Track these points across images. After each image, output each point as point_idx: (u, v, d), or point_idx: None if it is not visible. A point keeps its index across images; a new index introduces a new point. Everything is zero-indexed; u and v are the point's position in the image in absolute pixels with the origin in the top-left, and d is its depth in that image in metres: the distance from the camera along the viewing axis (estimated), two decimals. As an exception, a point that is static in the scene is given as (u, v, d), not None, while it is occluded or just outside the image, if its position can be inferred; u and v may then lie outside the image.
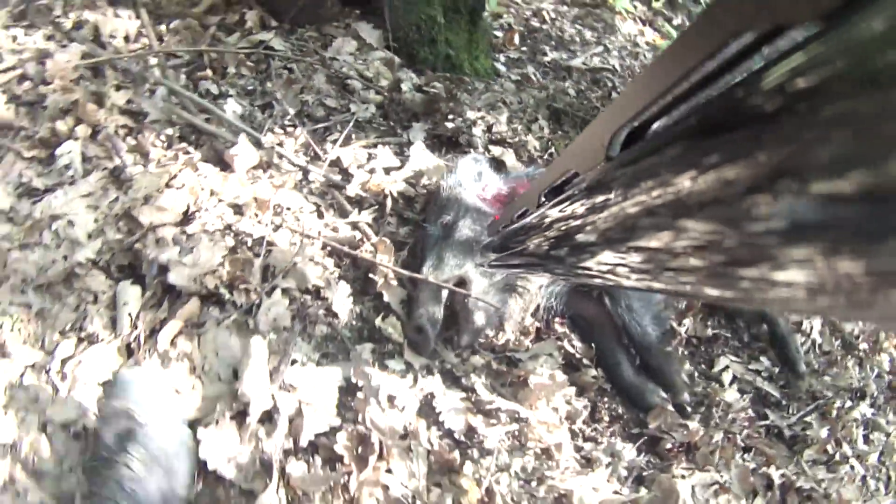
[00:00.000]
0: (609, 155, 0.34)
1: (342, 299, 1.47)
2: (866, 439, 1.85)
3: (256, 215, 1.57)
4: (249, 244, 1.51)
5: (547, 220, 0.54)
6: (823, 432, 1.74)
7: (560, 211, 0.49)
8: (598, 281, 0.50)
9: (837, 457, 1.74)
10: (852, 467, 1.76)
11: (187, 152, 1.67)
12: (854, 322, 1.90)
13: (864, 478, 1.78)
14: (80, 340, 1.41)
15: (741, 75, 0.22)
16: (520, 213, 0.64)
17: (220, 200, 1.58)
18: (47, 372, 1.38)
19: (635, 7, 2.92)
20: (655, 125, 0.30)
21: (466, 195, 1.56)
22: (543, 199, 0.53)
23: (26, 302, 1.46)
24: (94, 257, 1.48)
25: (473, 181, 1.60)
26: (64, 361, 1.38)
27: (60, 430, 1.32)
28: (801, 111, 0.20)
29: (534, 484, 1.32)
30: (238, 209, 1.58)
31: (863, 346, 2.01)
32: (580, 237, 0.47)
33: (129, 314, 1.40)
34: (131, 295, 1.42)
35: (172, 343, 1.37)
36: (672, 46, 0.26)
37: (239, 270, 1.45)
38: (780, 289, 0.27)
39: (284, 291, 1.45)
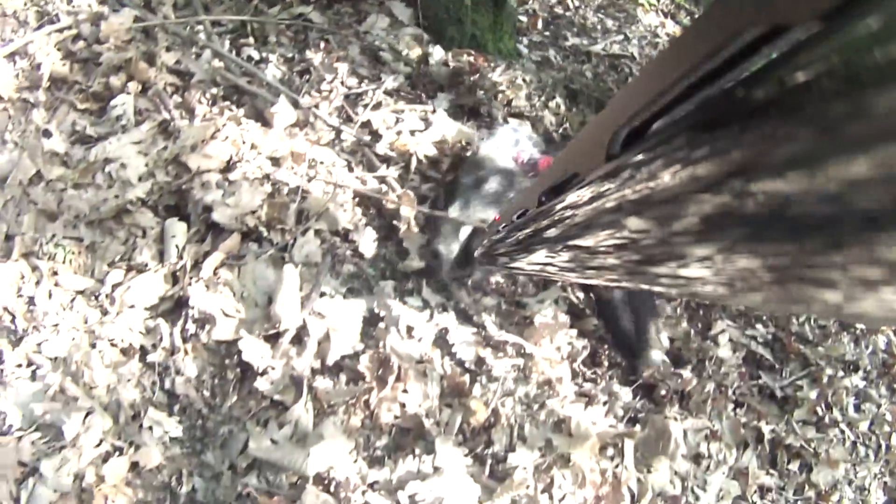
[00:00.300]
0: (609, 154, 0.34)
1: (368, 242, 1.65)
2: (857, 408, 1.98)
3: (292, 167, 1.75)
4: (285, 192, 1.69)
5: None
6: (813, 395, 1.88)
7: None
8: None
9: (827, 420, 1.88)
10: (842, 432, 1.90)
11: (230, 110, 1.85)
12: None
13: (854, 443, 1.92)
14: (129, 269, 1.59)
15: (741, 74, 0.22)
16: (519, 213, 0.65)
17: (259, 153, 1.76)
18: (97, 297, 1.57)
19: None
20: (656, 125, 0.30)
21: (501, 157, 1.74)
22: (543, 198, 0.53)
23: (78, 236, 1.65)
24: (144, 197, 1.66)
25: (511, 146, 1.77)
26: (114, 287, 1.56)
27: (110, 346, 1.50)
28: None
29: (535, 408, 1.49)
30: (276, 161, 1.76)
31: (860, 325, 2.14)
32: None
33: (176, 246, 1.58)
34: (178, 230, 1.60)
35: (215, 272, 1.54)
36: (672, 46, 0.26)
37: (276, 213, 1.63)
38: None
39: (317, 232, 1.63)
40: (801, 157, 0.20)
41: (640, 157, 0.30)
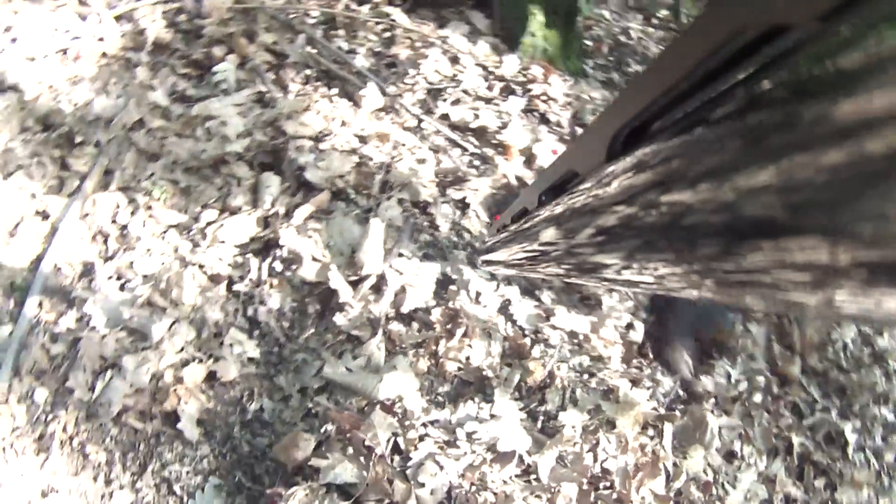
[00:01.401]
0: (610, 154, 0.35)
1: (445, 217, 1.91)
2: (884, 440, 2.19)
3: (378, 146, 2.03)
4: (371, 164, 1.97)
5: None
6: (842, 419, 2.09)
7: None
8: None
9: (854, 444, 2.09)
10: (867, 460, 2.10)
11: (322, 90, 2.15)
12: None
13: (878, 472, 2.12)
14: (222, 211, 1.86)
15: (740, 74, 0.23)
16: (519, 213, 0.67)
17: (349, 129, 2.05)
18: (189, 231, 1.84)
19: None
20: (655, 125, 0.31)
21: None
22: (543, 197, 0.55)
23: (175, 179, 1.93)
24: (241, 152, 1.94)
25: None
26: (207, 224, 1.83)
27: (199, 271, 1.76)
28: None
29: (586, 377, 1.73)
30: (363, 139, 2.04)
31: (894, 364, 2.37)
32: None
33: (270, 195, 1.85)
34: (273, 181, 1.88)
35: (304, 221, 1.81)
36: (673, 46, 0.28)
37: (363, 179, 1.91)
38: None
39: (399, 201, 1.90)
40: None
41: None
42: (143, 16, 2.29)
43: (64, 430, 1.60)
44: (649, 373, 1.88)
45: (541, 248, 0.53)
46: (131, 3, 2.32)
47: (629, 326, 1.91)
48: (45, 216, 1.87)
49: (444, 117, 2.20)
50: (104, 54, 2.20)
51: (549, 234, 0.48)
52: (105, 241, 1.83)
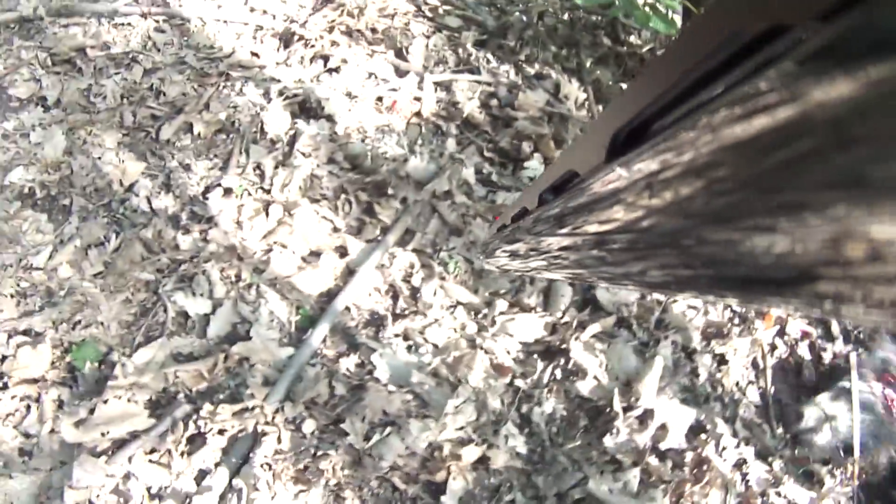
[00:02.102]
0: (609, 154, 0.35)
1: (706, 365, 1.98)
2: None
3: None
4: (651, 300, 2.05)
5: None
6: None
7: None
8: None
9: None
10: None
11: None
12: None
13: None
14: (513, 305, 1.98)
15: (740, 75, 0.23)
16: (519, 213, 0.68)
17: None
18: (478, 314, 1.95)
19: None
20: (655, 125, 0.31)
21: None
22: (543, 197, 0.56)
23: (471, 259, 2.05)
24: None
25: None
26: (500, 312, 1.93)
27: (484, 355, 1.86)
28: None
29: None
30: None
31: None
32: None
33: (563, 304, 1.96)
34: (566, 291, 2.02)
35: (591, 338, 1.90)
36: (672, 46, 0.28)
37: (644, 313, 2.01)
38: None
39: (673, 342, 1.98)
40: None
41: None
42: (460, 89, 2.47)
43: (333, 470, 1.70)
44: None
45: (539, 246, 0.54)
46: (451, 74, 2.51)
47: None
48: (342, 253, 2.03)
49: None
50: (418, 114, 2.39)
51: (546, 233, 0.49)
52: (395, 298, 1.97)
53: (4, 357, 1.88)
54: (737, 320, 2.18)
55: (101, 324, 1.91)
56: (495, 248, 0.82)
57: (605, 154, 0.34)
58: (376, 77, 2.50)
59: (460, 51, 2.64)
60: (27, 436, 1.79)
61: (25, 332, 1.92)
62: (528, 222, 0.57)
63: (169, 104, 2.38)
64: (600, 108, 2.67)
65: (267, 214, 2.07)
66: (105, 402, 1.77)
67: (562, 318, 1.94)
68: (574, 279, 0.57)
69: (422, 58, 2.58)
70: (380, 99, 2.43)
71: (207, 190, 2.14)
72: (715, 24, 0.23)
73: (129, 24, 2.59)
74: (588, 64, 2.69)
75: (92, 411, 1.76)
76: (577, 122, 2.49)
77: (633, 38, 2.82)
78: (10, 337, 1.91)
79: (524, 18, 2.79)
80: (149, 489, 1.69)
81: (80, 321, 1.92)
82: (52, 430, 1.77)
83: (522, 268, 0.77)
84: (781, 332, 2.21)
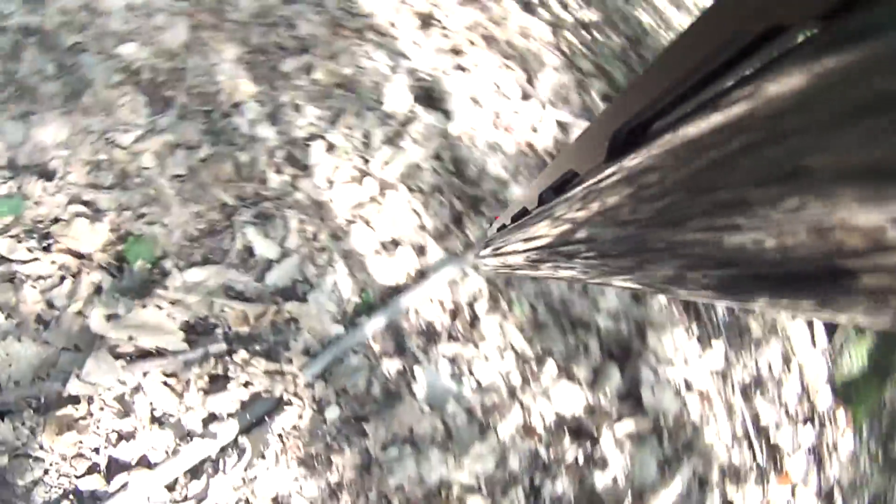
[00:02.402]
0: (609, 154, 0.35)
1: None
2: None
3: (699, 400, 2.11)
4: (686, 415, 2.04)
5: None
6: None
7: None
8: None
9: None
10: None
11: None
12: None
13: None
14: (562, 369, 1.95)
15: (740, 75, 0.23)
16: (519, 213, 0.68)
17: (686, 369, 2.13)
18: (526, 363, 1.93)
19: None
20: (655, 125, 0.32)
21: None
22: (543, 197, 0.56)
23: (536, 307, 2.03)
24: (602, 328, 2.04)
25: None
26: (545, 372, 1.91)
27: (520, 407, 1.84)
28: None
29: None
30: (689, 386, 2.12)
31: None
32: None
33: (608, 388, 1.94)
34: (614, 376, 2.00)
35: (622, 434, 1.88)
36: (672, 46, 0.28)
37: (677, 425, 1.98)
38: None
39: (693, 467, 1.95)
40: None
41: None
42: (575, 129, 2.44)
43: (341, 467, 1.67)
44: None
45: (538, 246, 0.54)
46: (573, 117, 2.48)
47: None
48: (420, 252, 1.98)
49: (752, 408, 2.26)
50: (529, 144, 2.35)
51: (545, 231, 0.49)
52: (453, 317, 1.93)
53: (58, 219, 1.83)
54: (755, 468, 2.17)
55: (166, 226, 1.86)
56: (495, 248, 0.82)
57: (606, 154, 0.35)
58: (502, 92, 2.46)
59: (585, 98, 2.61)
60: (51, 305, 1.74)
61: (87, 204, 1.87)
62: (528, 222, 0.58)
63: (298, 39, 2.33)
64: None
65: (361, 185, 2.03)
66: (144, 306, 1.72)
67: (601, 402, 1.92)
68: (572, 280, 0.55)
69: (549, 90, 2.55)
70: (498, 115, 2.39)
71: (311, 138, 2.09)
72: (716, 25, 0.24)
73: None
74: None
75: (129, 310, 1.71)
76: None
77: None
78: (70, 202, 1.86)
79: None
80: (153, 411, 1.65)
81: (145, 214, 1.87)
82: (80, 313, 1.72)
83: (519, 267, 0.74)
84: (792, 493, 2.20)
